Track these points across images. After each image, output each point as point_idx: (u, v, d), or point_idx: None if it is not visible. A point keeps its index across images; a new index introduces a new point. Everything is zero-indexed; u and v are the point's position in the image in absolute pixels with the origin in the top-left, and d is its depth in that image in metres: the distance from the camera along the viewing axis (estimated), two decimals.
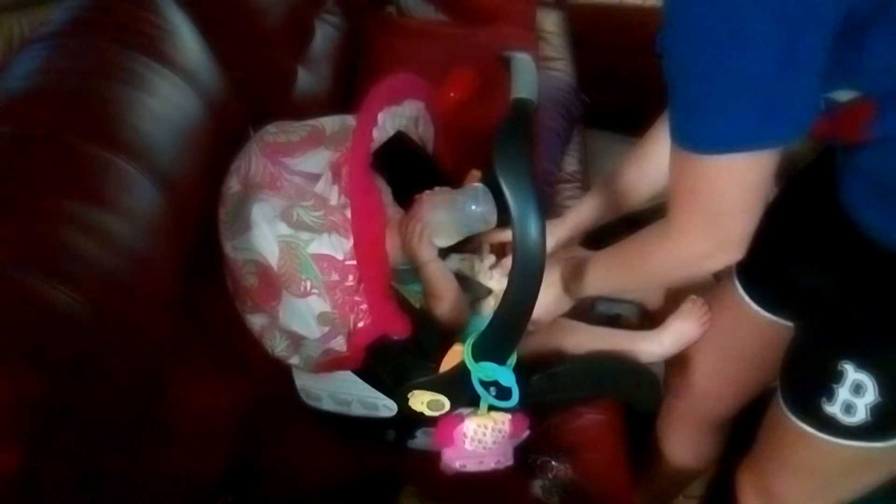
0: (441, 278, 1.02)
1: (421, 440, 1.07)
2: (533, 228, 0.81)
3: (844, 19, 0.60)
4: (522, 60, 0.95)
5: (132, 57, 0.95)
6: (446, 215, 1.03)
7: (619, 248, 0.91)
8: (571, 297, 1.00)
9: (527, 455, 1.06)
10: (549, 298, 1.00)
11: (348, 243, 0.89)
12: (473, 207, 1.02)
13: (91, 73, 0.91)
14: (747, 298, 1.03)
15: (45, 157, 0.81)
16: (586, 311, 1.18)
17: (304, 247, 0.89)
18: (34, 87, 0.89)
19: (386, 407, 1.03)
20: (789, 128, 0.64)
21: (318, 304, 0.91)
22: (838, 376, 0.81)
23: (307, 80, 1.35)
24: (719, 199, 0.70)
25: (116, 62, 0.94)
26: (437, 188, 1.07)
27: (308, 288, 0.90)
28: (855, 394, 0.80)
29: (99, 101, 0.89)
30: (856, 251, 0.80)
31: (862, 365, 0.79)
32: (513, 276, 0.85)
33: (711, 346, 1.09)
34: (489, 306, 1.08)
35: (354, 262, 0.89)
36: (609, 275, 0.95)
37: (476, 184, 1.04)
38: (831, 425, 0.83)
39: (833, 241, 0.85)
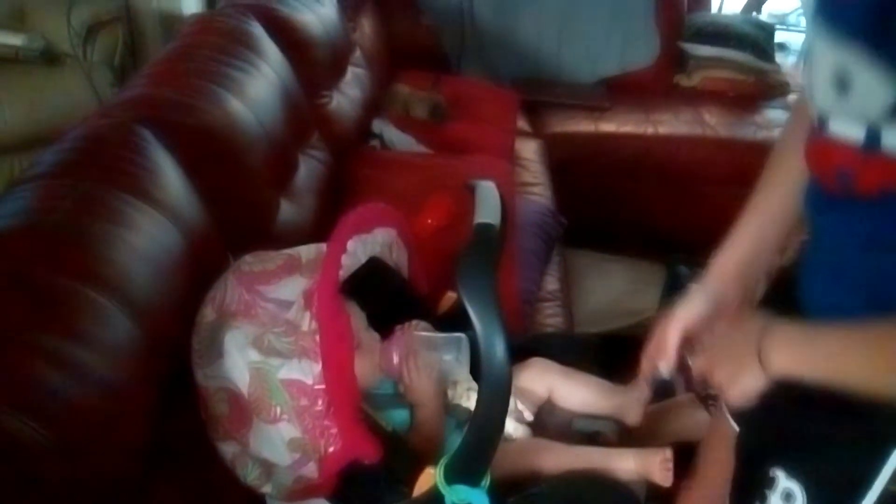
0: (432, 422, 1.05)
1: None
2: (498, 350, 0.83)
3: None
4: (485, 187, 1.00)
5: (115, 195, 1.00)
6: (422, 356, 1.06)
7: (880, 327, 0.68)
8: (769, 372, 0.76)
9: None
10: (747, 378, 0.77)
11: (318, 367, 0.90)
12: (449, 357, 1.06)
13: (73, 212, 0.95)
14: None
15: (20, 292, 0.83)
16: (563, 429, 1.17)
17: (275, 372, 0.90)
18: (15, 226, 0.93)
19: None
20: None
21: (288, 430, 0.91)
22: (770, 482, 0.79)
23: (290, 211, 1.41)
24: None
25: (99, 200, 0.98)
26: (417, 323, 1.10)
27: (278, 414, 0.91)
28: (785, 502, 0.78)
29: (78, 237, 0.92)
30: None
31: (792, 473, 0.77)
32: (481, 397, 0.86)
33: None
34: None
35: (324, 387, 0.90)
36: (853, 360, 0.71)
37: (459, 334, 1.07)
38: None
39: None
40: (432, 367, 1.06)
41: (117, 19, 2.55)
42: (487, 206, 0.96)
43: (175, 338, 0.97)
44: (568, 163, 2.38)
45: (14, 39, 2.40)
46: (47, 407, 0.75)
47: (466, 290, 0.84)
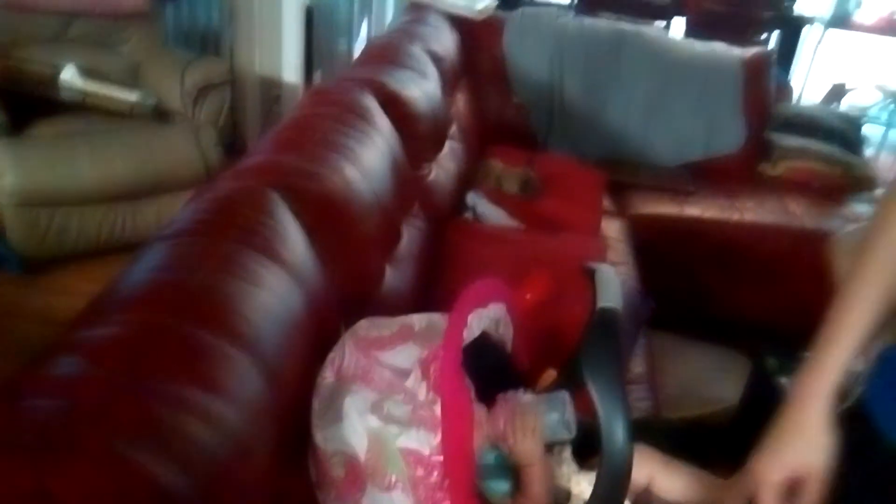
0: (540, 483, 1.02)
1: None
2: (620, 434, 0.84)
3: None
4: (605, 272, 1.02)
5: (247, 254, 1.05)
6: (527, 417, 1.05)
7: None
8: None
9: None
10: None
11: (435, 439, 0.91)
12: (554, 415, 1.05)
13: (211, 269, 1.01)
14: None
15: (167, 345, 0.88)
16: None
17: (393, 440, 0.92)
18: (160, 280, 0.98)
19: None
20: None
21: (401, 499, 0.92)
22: None
23: (393, 278, 1.45)
24: None
25: (234, 259, 1.03)
26: (518, 392, 1.11)
27: (393, 482, 0.92)
28: None
29: (216, 294, 0.97)
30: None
31: None
32: (600, 481, 0.86)
33: None
34: None
35: (440, 458, 0.91)
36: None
37: (560, 392, 1.07)
38: None
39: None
40: (536, 427, 1.05)
41: (226, 82, 2.71)
42: (609, 290, 0.98)
43: (295, 395, 1.00)
44: (651, 244, 2.38)
45: (129, 96, 2.57)
46: (191, 457, 0.78)
47: (591, 373, 0.86)
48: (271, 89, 3.16)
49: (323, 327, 1.11)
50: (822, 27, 4.57)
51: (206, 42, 3.19)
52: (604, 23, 3.03)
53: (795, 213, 2.57)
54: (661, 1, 3.93)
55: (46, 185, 2.32)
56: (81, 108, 2.51)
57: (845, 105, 4.68)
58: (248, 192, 1.18)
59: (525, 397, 1.09)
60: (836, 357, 0.87)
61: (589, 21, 2.93)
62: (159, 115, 2.58)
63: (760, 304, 2.43)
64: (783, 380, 1.88)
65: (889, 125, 4.77)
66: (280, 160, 1.31)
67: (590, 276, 1.02)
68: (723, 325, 2.38)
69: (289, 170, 1.28)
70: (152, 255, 1.04)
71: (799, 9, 4.34)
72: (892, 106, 4.78)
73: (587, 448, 1.03)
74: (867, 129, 3.99)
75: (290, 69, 3.19)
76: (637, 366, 1.77)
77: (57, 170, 2.33)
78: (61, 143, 2.39)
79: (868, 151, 3.57)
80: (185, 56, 2.79)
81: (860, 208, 2.69)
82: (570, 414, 1.05)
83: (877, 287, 0.86)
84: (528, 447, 1.03)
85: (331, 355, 1.03)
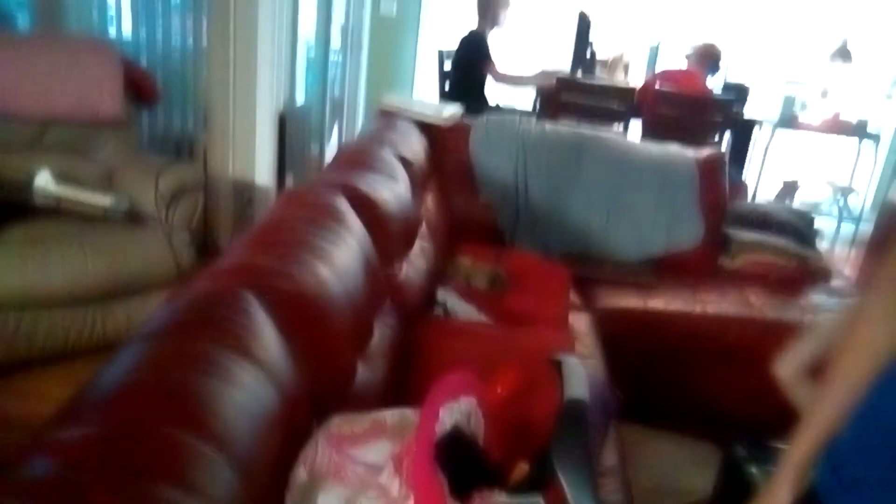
0: None
1: None
2: None
3: None
4: (572, 363, 1.06)
5: (221, 353, 1.07)
6: None
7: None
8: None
9: None
10: None
11: None
12: None
13: (186, 368, 1.03)
14: None
15: (140, 444, 0.88)
16: None
17: None
18: (135, 380, 1.00)
19: None
20: None
21: None
22: None
23: (365, 374, 1.47)
24: None
25: (208, 358, 1.05)
26: (493, 492, 1.12)
27: None
28: None
29: (191, 392, 0.98)
30: None
31: None
32: None
33: None
34: None
35: None
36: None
37: (533, 496, 1.08)
38: None
39: None
40: None
41: (199, 186, 2.77)
42: (576, 381, 1.01)
43: (269, 493, 1.00)
44: (618, 336, 2.43)
45: (103, 200, 2.61)
46: None
47: (561, 465, 0.88)
48: (244, 192, 3.23)
49: (296, 424, 1.12)
50: (771, 128, 4.84)
51: (181, 146, 3.27)
52: (564, 128, 3.18)
53: (756, 304, 2.65)
54: (618, 106, 4.15)
55: (17, 288, 2.31)
56: (55, 212, 2.54)
57: (798, 201, 4.91)
58: (223, 292, 1.21)
59: (500, 498, 1.10)
60: (803, 441, 1.00)
61: (550, 126, 3.08)
62: (133, 218, 2.62)
63: (727, 393, 2.46)
64: (753, 468, 1.90)
65: (840, 219, 4.99)
66: (254, 261, 1.35)
67: (556, 367, 1.06)
68: (692, 415, 2.40)
69: (263, 270, 1.31)
70: (128, 355, 1.05)
71: (749, 111, 4.60)
72: (841, 200, 5.01)
73: None
74: (819, 223, 4.18)
75: (263, 173, 3.27)
76: (608, 458, 1.78)
77: (28, 274, 2.33)
78: (34, 248, 2.40)
79: (822, 244, 3.73)
80: (159, 161, 2.85)
81: (818, 299, 2.78)
82: None
83: (846, 386, 0.99)
84: None
85: (303, 453, 1.04)
